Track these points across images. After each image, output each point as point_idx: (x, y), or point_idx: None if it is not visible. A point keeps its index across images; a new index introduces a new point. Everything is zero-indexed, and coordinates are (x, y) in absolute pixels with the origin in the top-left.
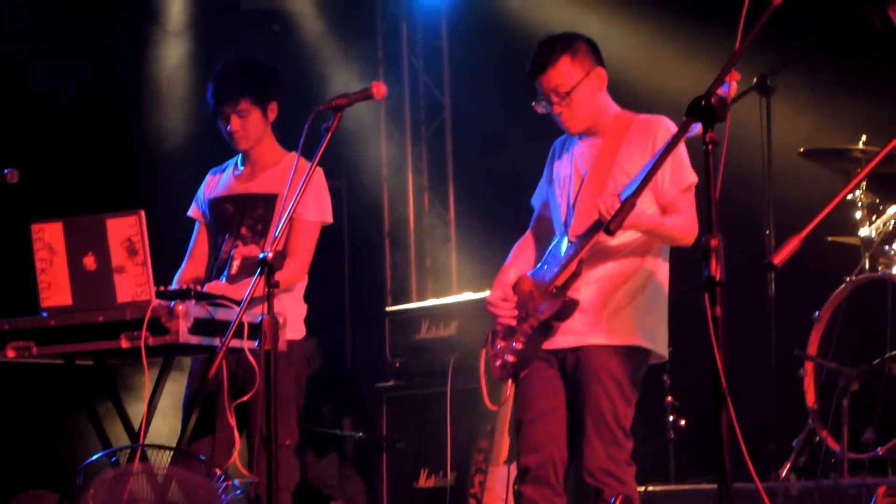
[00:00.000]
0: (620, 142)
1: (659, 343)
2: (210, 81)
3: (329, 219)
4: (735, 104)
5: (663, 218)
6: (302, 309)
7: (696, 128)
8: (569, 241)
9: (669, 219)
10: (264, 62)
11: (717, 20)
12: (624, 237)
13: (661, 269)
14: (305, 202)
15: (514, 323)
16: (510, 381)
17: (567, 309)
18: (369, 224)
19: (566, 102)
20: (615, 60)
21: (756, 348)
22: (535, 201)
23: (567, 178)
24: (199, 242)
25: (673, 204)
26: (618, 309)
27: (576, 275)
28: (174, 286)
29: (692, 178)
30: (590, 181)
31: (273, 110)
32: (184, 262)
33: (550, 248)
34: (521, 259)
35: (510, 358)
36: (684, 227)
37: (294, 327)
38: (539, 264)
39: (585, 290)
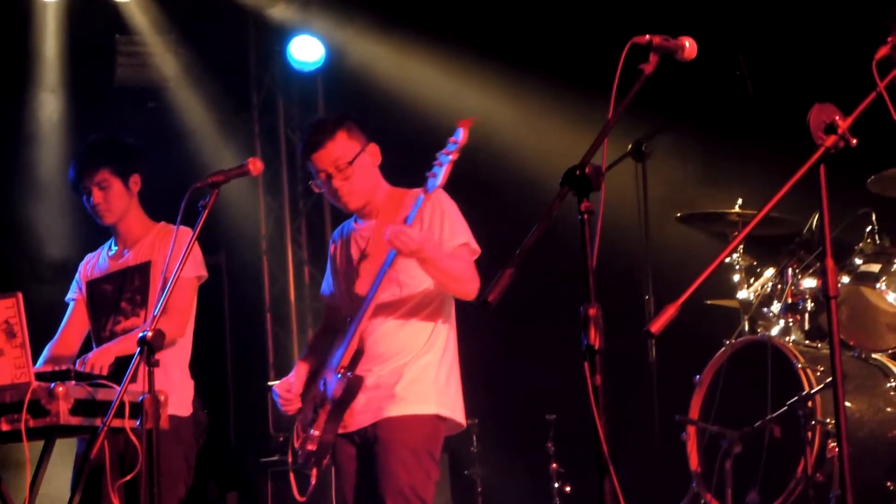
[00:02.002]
0: (393, 217)
1: (455, 411)
2: (72, 161)
3: (204, 273)
4: (611, 171)
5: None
6: (190, 386)
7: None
8: (349, 322)
9: (450, 257)
10: (125, 137)
11: (596, 89)
12: (410, 305)
13: (450, 336)
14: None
15: (294, 410)
16: (314, 471)
17: (353, 387)
18: (250, 299)
19: (346, 175)
20: (495, 130)
21: (639, 413)
22: (325, 291)
23: (346, 264)
24: (70, 324)
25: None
26: (411, 380)
27: (359, 352)
28: (38, 365)
29: (467, 237)
30: (366, 262)
31: (136, 183)
32: (52, 342)
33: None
34: (316, 349)
35: (310, 446)
36: (464, 270)
37: (182, 405)
38: (334, 351)
39: (379, 368)
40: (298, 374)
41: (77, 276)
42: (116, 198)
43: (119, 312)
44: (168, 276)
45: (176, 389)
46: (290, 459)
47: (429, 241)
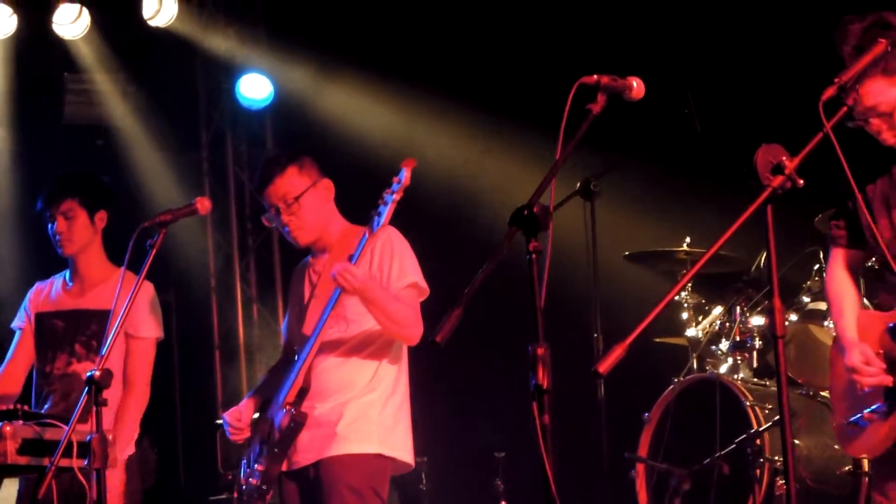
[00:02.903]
0: (347, 252)
1: (402, 451)
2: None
3: (162, 334)
4: (559, 210)
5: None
6: (136, 428)
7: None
8: (297, 358)
9: (395, 300)
10: (102, 176)
11: (544, 128)
12: (354, 343)
13: (399, 376)
14: (140, 319)
15: (242, 438)
16: None
17: (298, 423)
18: (199, 336)
19: (294, 210)
20: (444, 168)
21: (588, 450)
22: (283, 327)
23: (298, 300)
24: (16, 357)
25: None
26: (354, 419)
27: (305, 389)
28: None
29: (416, 277)
30: (315, 299)
31: (102, 219)
32: None
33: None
34: (268, 384)
35: (254, 481)
36: (408, 314)
37: (125, 444)
38: (281, 386)
39: (322, 406)
40: (248, 404)
41: (25, 303)
42: (80, 229)
43: (72, 353)
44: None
45: (120, 431)
46: (234, 495)
47: (372, 280)
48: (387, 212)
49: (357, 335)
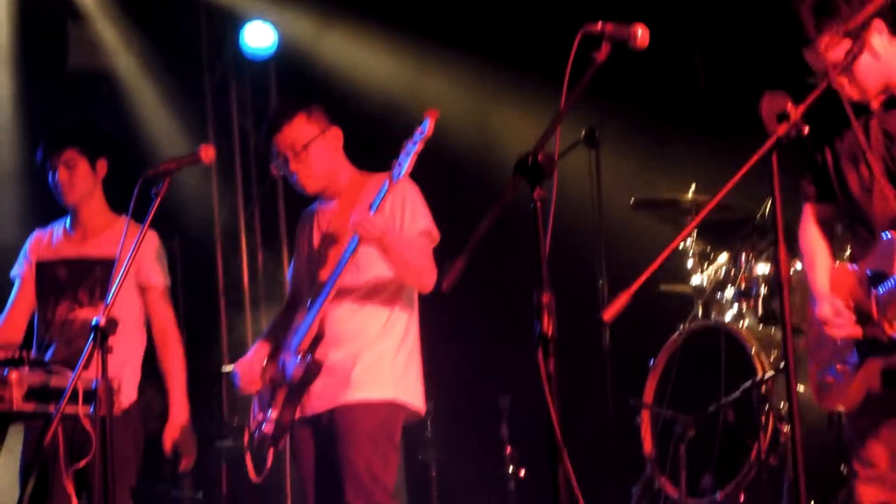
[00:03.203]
0: (355, 200)
1: (413, 397)
2: (43, 138)
3: (169, 282)
4: (564, 158)
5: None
6: (137, 373)
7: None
8: (310, 305)
9: (409, 248)
10: (98, 123)
11: (549, 77)
12: (367, 289)
13: (410, 323)
14: (151, 269)
15: (254, 389)
16: (271, 450)
17: (312, 371)
18: (204, 284)
19: (302, 158)
20: (449, 117)
21: (593, 398)
22: (290, 274)
23: (308, 246)
24: (17, 304)
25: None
26: (368, 366)
27: (319, 336)
28: None
29: (428, 224)
30: (328, 246)
31: (102, 167)
32: None
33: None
34: (278, 330)
35: (267, 428)
36: (422, 262)
37: (128, 392)
38: (293, 333)
39: (335, 353)
40: (258, 353)
41: (25, 251)
42: (81, 179)
43: (75, 300)
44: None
45: (124, 378)
46: (245, 440)
47: (391, 229)
48: (408, 162)
49: (369, 281)
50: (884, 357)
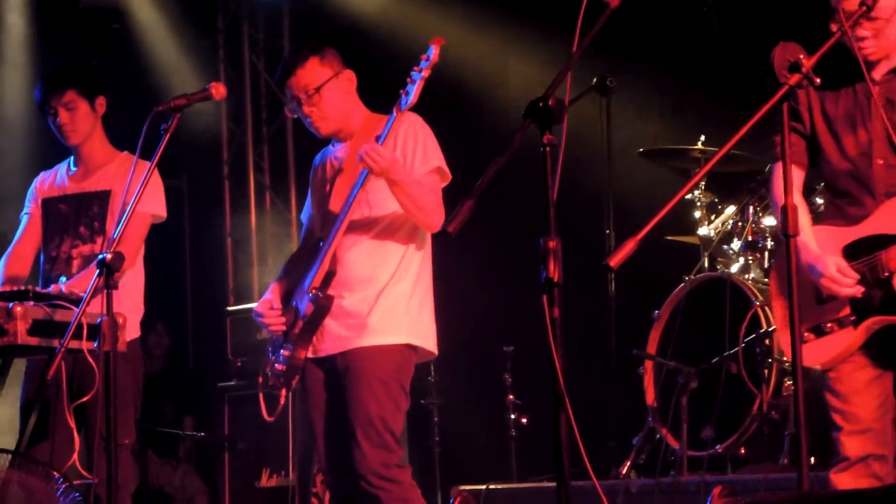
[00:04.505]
0: (368, 141)
1: (427, 340)
2: (39, 81)
3: (162, 213)
4: (575, 105)
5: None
6: (140, 309)
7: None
8: (322, 243)
9: (418, 185)
10: (91, 59)
11: (561, 22)
12: (381, 227)
13: (424, 263)
14: (146, 197)
15: (281, 330)
16: (283, 391)
17: (324, 307)
18: (210, 223)
19: (315, 101)
20: (461, 61)
21: (596, 346)
22: (304, 216)
23: (321, 185)
24: (24, 239)
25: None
26: (384, 310)
27: (331, 273)
28: None
29: (439, 162)
30: (339, 183)
31: (101, 105)
32: (5, 258)
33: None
34: (291, 272)
35: (279, 367)
36: (431, 199)
37: (130, 327)
38: (306, 272)
39: (350, 296)
40: (275, 293)
41: (31, 191)
42: (82, 119)
43: (77, 236)
44: (125, 209)
45: (125, 312)
46: (260, 380)
47: (399, 162)
48: (415, 90)
49: (381, 219)
50: (882, 316)
